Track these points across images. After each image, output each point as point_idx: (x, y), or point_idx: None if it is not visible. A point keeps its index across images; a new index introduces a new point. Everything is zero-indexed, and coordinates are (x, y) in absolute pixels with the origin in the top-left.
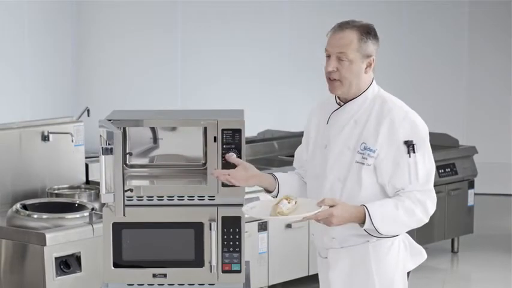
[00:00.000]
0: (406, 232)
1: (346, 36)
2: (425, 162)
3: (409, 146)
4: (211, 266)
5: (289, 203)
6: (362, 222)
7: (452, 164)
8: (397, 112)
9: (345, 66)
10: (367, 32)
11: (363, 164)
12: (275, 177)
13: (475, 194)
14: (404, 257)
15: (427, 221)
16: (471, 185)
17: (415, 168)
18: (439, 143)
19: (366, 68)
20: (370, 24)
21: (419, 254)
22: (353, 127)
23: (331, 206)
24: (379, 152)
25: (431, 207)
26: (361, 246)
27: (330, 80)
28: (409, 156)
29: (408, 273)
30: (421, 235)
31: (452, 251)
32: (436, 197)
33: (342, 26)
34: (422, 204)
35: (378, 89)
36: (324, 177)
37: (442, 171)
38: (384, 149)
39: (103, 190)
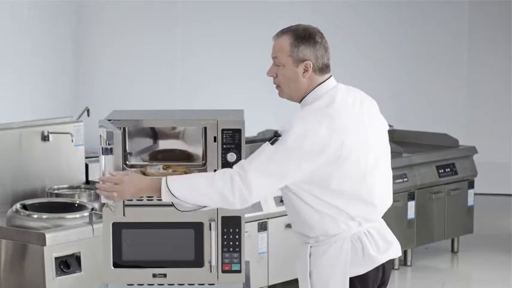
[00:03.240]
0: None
1: (279, 42)
2: (272, 158)
3: (274, 137)
4: (211, 266)
5: (164, 169)
6: (159, 192)
7: (452, 164)
8: (295, 115)
9: (280, 71)
10: (301, 36)
11: None
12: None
13: (475, 194)
14: (349, 261)
15: (232, 200)
16: (471, 185)
17: (258, 153)
18: (439, 143)
19: (303, 73)
20: (309, 28)
21: (370, 262)
22: None
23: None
24: None
25: (241, 188)
26: (303, 245)
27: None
28: (266, 144)
29: (362, 277)
30: (421, 235)
31: (452, 251)
32: (256, 186)
33: (279, 32)
34: (230, 178)
35: (330, 90)
36: None
37: (442, 171)
38: None
39: None
